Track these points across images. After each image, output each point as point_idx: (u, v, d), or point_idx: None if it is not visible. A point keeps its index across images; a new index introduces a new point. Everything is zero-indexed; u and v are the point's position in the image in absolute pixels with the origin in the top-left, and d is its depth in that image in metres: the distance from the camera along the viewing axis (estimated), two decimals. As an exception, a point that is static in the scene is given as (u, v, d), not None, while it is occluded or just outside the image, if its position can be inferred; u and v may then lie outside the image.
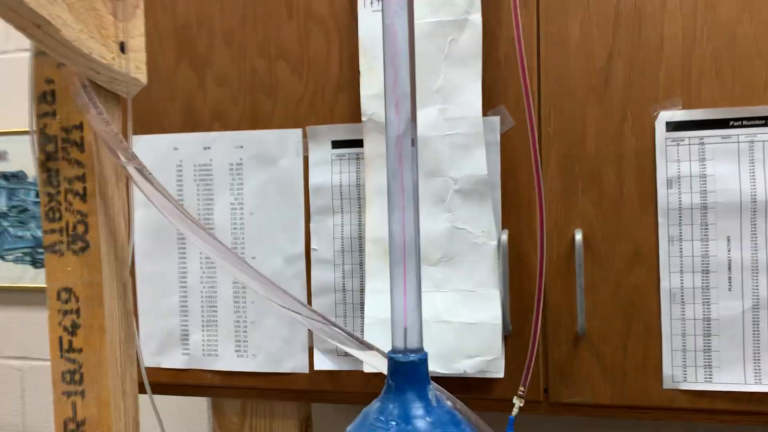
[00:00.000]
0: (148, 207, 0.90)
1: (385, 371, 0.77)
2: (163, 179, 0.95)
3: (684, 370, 0.81)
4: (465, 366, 0.81)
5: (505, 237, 0.83)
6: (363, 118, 0.85)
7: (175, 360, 0.96)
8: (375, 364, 0.76)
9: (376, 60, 0.84)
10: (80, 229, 0.67)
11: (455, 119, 0.83)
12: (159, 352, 0.96)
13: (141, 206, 0.92)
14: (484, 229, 0.83)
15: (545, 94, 0.83)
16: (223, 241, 0.93)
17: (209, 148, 0.94)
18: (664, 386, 0.81)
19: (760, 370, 0.79)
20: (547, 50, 0.83)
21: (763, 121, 0.77)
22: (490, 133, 0.84)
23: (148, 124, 0.95)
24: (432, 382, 0.67)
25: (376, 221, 0.85)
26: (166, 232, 0.95)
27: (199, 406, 1.39)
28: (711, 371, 0.80)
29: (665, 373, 0.81)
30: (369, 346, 0.81)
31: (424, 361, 0.67)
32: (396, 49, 0.64)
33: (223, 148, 0.93)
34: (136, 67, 0.69)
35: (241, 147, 0.93)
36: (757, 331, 0.79)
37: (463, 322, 0.82)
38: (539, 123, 0.83)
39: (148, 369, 0.96)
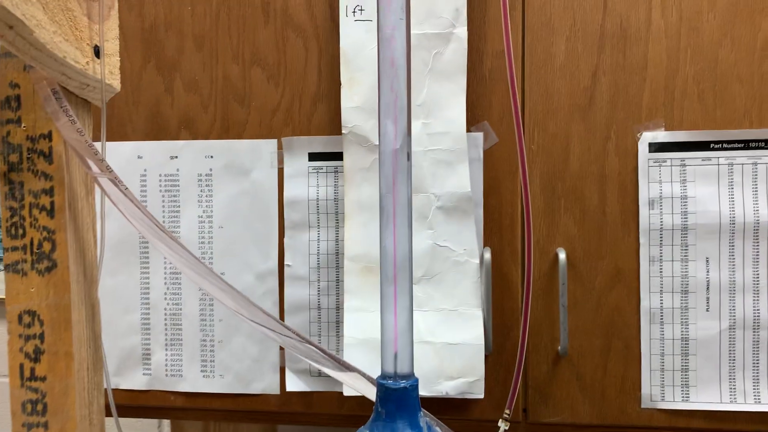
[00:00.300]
0: (109, 217, 0.84)
1: (367, 394, 0.74)
2: (126, 189, 0.89)
3: (662, 389, 0.81)
4: (446, 388, 0.80)
5: (488, 255, 0.81)
6: (343, 131, 0.82)
7: (135, 381, 0.90)
8: (357, 386, 0.74)
9: (359, 71, 0.82)
10: (47, 246, 0.61)
11: (438, 134, 0.81)
12: (118, 373, 0.91)
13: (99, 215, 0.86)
14: (466, 246, 0.81)
15: (529, 111, 0.82)
16: (190, 255, 0.88)
17: (176, 157, 0.89)
18: (643, 405, 0.82)
19: (735, 389, 0.80)
20: (532, 67, 0.82)
21: (742, 145, 0.79)
22: (473, 149, 0.83)
23: (110, 131, 0.89)
24: (422, 408, 0.65)
25: (356, 237, 0.82)
26: (127, 244, 0.90)
27: (150, 428, 1.33)
28: (688, 390, 0.81)
29: (644, 393, 0.81)
30: (348, 367, 0.78)
31: (415, 387, 0.64)
32: (394, 60, 0.61)
33: (192, 158, 0.88)
34: (110, 72, 0.64)
35: (211, 157, 0.88)
36: (733, 351, 0.80)
37: (445, 343, 0.80)
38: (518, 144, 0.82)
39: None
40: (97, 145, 0.62)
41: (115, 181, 0.61)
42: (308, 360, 0.75)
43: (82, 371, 0.63)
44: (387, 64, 0.63)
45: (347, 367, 0.76)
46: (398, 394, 0.63)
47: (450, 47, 0.81)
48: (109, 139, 0.89)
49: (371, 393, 0.72)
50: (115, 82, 0.65)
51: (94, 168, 0.61)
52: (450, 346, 0.80)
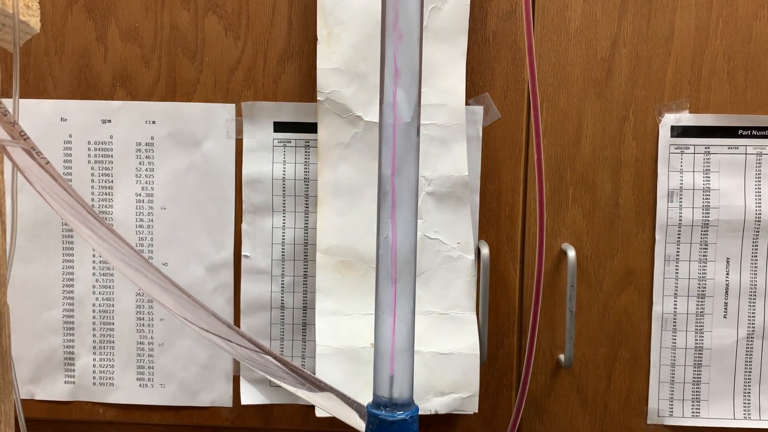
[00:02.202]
0: (23, 192, 0.68)
1: (348, 421, 0.62)
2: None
3: (671, 404, 0.73)
4: (436, 405, 0.68)
5: (486, 251, 0.70)
6: (319, 97, 0.68)
7: (55, 390, 0.75)
8: (332, 409, 0.61)
9: (339, 25, 0.68)
10: (-66, 237, 0.46)
11: (432, 106, 0.69)
12: (33, 380, 0.75)
13: (10, 192, 0.70)
14: (460, 240, 0.69)
15: (538, 83, 0.70)
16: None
17: (109, 121, 0.73)
18: (648, 421, 0.73)
19: (749, 404, 0.72)
20: (543, 32, 0.70)
21: (774, 132, 0.70)
22: (470, 125, 0.70)
23: (26, 85, 0.72)
24: (423, 442, 0.53)
25: (330, 226, 0.69)
26: (46, 227, 0.73)
27: None
28: (699, 405, 0.72)
29: (650, 407, 0.73)
30: (320, 386, 0.65)
31: (415, 419, 0.52)
32: (406, 12, 0.48)
33: (129, 123, 0.72)
34: (26, 5, 0.48)
35: (153, 122, 0.72)
36: (750, 362, 0.72)
37: (435, 352, 0.68)
38: (528, 117, 0.71)
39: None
40: (8, 102, 0.47)
41: (31, 151, 0.46)
42: (270, 376, 0.62)
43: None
44: (393, 14, 0.49)
45: (319, 386, 0.63)
46: (395, 428, 0.51)
47: (450, 2, 0.68)
48: (24, 95, 0.72)
49: (354, 420, 0.59)
50: (33, 20, 0.49)
51: (2, 133, 0.45)
52: (441, 357, 0.68)
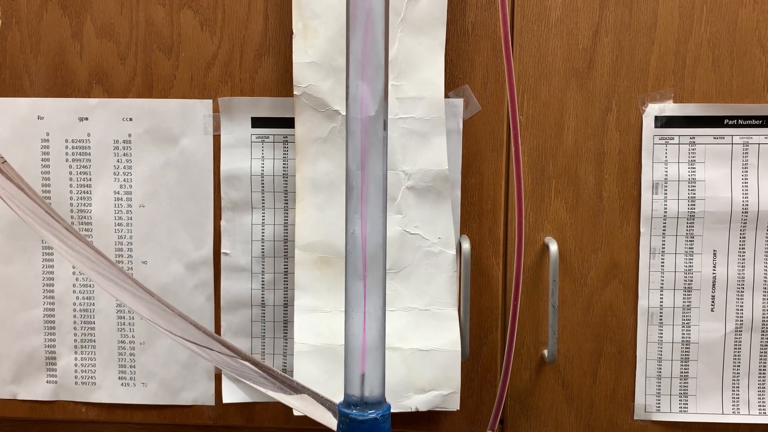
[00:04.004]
0: None
1: (324, 422, 0.61)
2: (22, 157, 0.72)
3: (657, 399, 0.71)
4: (416, 402, 0.67)
5: (467, 245, 0.69)
6: (295, 92, 0.67)
7: (37, 390, 0.75)
8: (309, 411, 0.61)
9: (315, 18, 0.67)
10: None
11: (411, 99, 0.68)
12: (15, 380, 0.75)
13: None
14: (441, 234, 0.68)
15: (518, 75, 0.69)
16: (105, 239, 0.73)
17: (86, 119, 0.72)
18: (636, 417, 0.72)
19: (738, 398, 0.71)
20: (523, 21, 0.69)
21: (760, 122, 0.68)
22: (451, 118, 0.69)
23: (2, 83, 0.72)
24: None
25: (309, 222, 0.68)
26: (24, 226, 0.73)
27: None
28: (687, 400, 0.71)
29: (637, 403, 0.71)
30: (296, 388, 0.64)
31: (386, 418, 0.52)
32: (370, 4, 0.47)
33: (106, 120, 0.72)
34: (-17, 2, 0.47)
35: (130, 120, 0.72)
36: (738, 356, 0.71)
37: (416, 349, 0.68)
38: (508, 109, 0.69)
39: (0, 401, 0.74)
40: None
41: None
42: (247, 381, 0.62)
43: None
44: (359, 9, 0.48)
45: (294, 388, 0.63)
46: (366, 427, 0.51)
47: (427, -7, 0.66)
48: (1, 94, 0.72)
49: (329, 420, 0.59)
50: (-8, 17, 0.48)
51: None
52: (421, 353, 0.67)
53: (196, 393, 0.74)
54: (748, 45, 0.68)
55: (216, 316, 0.73)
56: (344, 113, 0.67)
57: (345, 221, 0.50)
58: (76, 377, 0.74)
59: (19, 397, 0.75)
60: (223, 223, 0.72)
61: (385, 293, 0.52)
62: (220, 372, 0.73)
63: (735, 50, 0.68)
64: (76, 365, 0.74)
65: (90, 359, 0.74)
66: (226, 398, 0.73)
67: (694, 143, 0.69)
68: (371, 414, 0.51)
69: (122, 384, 0.74)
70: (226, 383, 0.73)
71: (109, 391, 0.74)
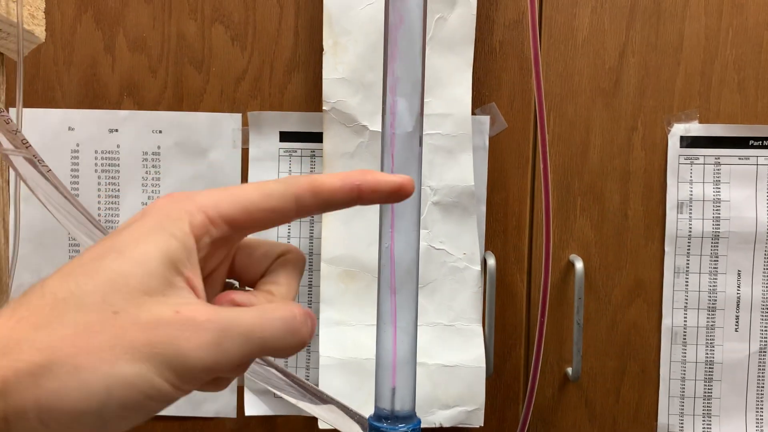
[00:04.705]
0: (28, 202, 0.68)
1: (348, 431, 0.61)
2: (53, 168, 0.72)
3: (681, 419, 0.71)
4: (441, 418, 0.67)
5: (492, 261, 0.69)
6: (324, 107, 0.68)
7: (59, 399, 0.75)
8: (336, 422, 0.60)
9: (345, 35, 0.68)
10: (-64, 245, 0.46)
11: (438, 116, 0.68)
12: (37, 389, 0.75)
13: (13, 201, 0.70)
14: (466, 250, 0.69)
15: (545, 93, 0.70)
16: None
17: (117, 130, 0.73)
18: (658, 437, 0.72)
19: (762, 419, 0.71)
20: (550, 41, 0.69)
21: (785, 143, 0.69)
22: (477, 135, 0.70)
23: (34, 95, 0.73)
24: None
25: (335, 236, 0.69)
26: (51, 235, 0.73)
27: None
28: (710, 420, 0.71)
29: (660, 422, 0.71)
30: (323, 398, 0.64)
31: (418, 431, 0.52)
32: (409, 21, 0.48)
33: (136, 132, 0.73)
34: (30, 15, 0.48)
35: (160, 132, 0.73)
36: (762, 377, 0.71)
37: (440, 365, 0.68)
38: (534, 127, 0.70)
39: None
40: (12, 112, 0.47)
41: (33, 160, 0.46)
42: (273, 389, 0.62)
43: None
44: (396, 24, 0.49)
45: (321, 398, 0.63)
46: (397, 441, 0.51)
47: (456, 12, 0.67)
48: (32, 104, 0.72)
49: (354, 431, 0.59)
50: (38, 29, 0.49)
51: (5, 143, 0.45)
52: (446, 369, 0.68)
53: (218, 405, 0.74)
54: (773, 67, 0.68)
55: (240, 328, 0.73)
56: (372, 128, 0.68)
57: (379, 236, 0.50)
58: (98, 387, 0.74)
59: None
60: (249, 235, 0.72)
61: (417, 308, 0.52)
62: (243, 384, 0.73)
63: (760, 72, 0.68)
64: (99, 375, 0.74)
65: (113, 369, 0.74)
66: (249, 411, 0.73)
67: (719, 163, 0.69)
68: (402, 428, 0.50)
69: (145, 395, 0.74)
70: (248, 396, 0.73)
71: (131, 401, 0.74)
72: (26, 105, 0.72)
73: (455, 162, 0.68)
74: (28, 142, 0.45)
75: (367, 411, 0.54)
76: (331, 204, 0.31)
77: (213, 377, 0.27)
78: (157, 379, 0.25)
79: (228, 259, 0.33)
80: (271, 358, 0.68)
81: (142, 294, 0.26)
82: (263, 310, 0.29)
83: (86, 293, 0.26)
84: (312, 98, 0.71)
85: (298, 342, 0.29)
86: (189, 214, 0.28)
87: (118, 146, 0.73)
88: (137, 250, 0.27)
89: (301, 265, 0.34)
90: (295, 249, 0.34)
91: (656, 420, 0.71)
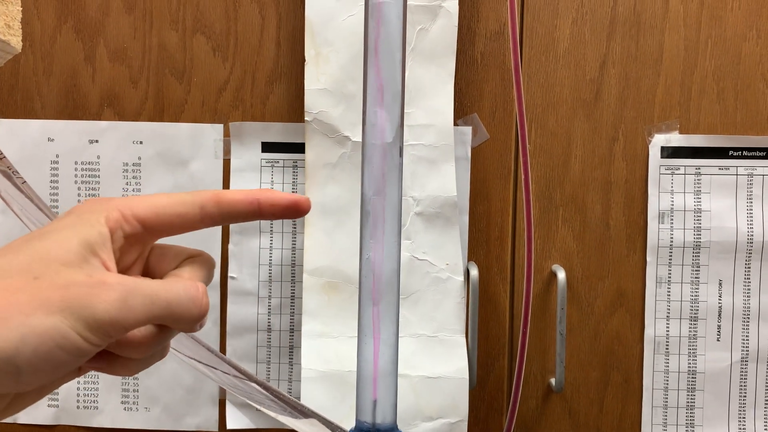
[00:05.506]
0: (5, 214, 0.68)
1: (332, 445, 0.60)
2: (32, 179, 0.72)
3: (664, 429, 0.71)
4: (424, 430, 0.67)
5: (475, 272, 0.69)
6: (306, 117, 0.68)
7: (38, 414, 0.74)
8: (317, 433, 0.60)
9: (327, 46, 0.67)
10: None
11: (420, 127, 0.68)
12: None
13: (-2, 213, 0.69)
14: (449, 261, 0.69)
15: (527, 104, 0.70)
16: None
17: (97, 141, 0.72)
18: (642, 447, 0.72)
19: (744, 429, 0.71)
20: (531, 52, 0.70)
21: (764, 153, 0.69)
22: (459, 146, 0.70)
23: (13, 105, 0.72)
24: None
25: (317, 247, 0.68)
26: (31, 247, 0.73)
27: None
28: (693, 430, 0.71)
29: (643, 433, 0.71)
30: (305, 411, 0.64)
31: (399, 444, 0.51)
32: (389, 33, 0.48)
33: (117, 143, 0.72)
34: (7, 25, 0.48)
35: (141, 143, 0.72)
36: (744, 386, 0.71)
37: (423, 376, 0.67)
38: (516, 138, 0.70)
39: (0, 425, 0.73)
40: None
41: (8, 172, 0.46)
42: (254, 403, 0.61)
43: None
44: (375, 35, 0.49)
45: (303, 412, 0.62)
46: (378, 454, 0.50)
47: (438, 23, 0.68)
48: (11, 115, 0.72)
49: (339, 445, 0.58)
50: (14, 39, 0.49)
51: (-21, 153, 0.45)
52: (429, 380, 0.67)
53: (200, 419, 0.73)
54: (751, 78, 0.69)
55: (221, 340, 0.72)
56: (354, 139, 0.68)
57: (360, 247, 0.50)
58: (78, 401, 0.74)
59: (20, 421, 0.74)
60: (230, 246, 0.72)
61: (398, 319, 0.52)
62: (224, 398, 0.72)
63: (739, 83, 0.69)
64: (78, 389, 0.74)
65: (92, 383, 0.73)
66: (230, 424, 0.72)
67: (699, 174, 0.70)
68: (383, 440, 0.50)
69: (125, 408, 0.73)
70: (230, 409, 0.72)
71: (111, 415, 0.73)
72: (5, 116, 0.72)
73: (438, 173, 0.68)
74: (2, 154, 0.44)
75: (350, 424, 0.54)
76: (233, 215, 0.35)
77: (121, 334, 0.30)
78: (69, 330, 0.28)
79: (142, 258, 0.35)
80: (251, 371, 0.67)
81: (60, 264, 0.29)
82: (167, 281, 0.32)
83: (12, 266, 0.29)
84: (294, 109, 0.71)
85: (198, 312, 0.32)
86: (106, 210, 0.32)
87: (98, 157, 0.72)
88: (59, 234, 0.31)
89: (208, 266, 0.36)
90: (206, 253, 0.37)
91: (640, 430, 0.71)
